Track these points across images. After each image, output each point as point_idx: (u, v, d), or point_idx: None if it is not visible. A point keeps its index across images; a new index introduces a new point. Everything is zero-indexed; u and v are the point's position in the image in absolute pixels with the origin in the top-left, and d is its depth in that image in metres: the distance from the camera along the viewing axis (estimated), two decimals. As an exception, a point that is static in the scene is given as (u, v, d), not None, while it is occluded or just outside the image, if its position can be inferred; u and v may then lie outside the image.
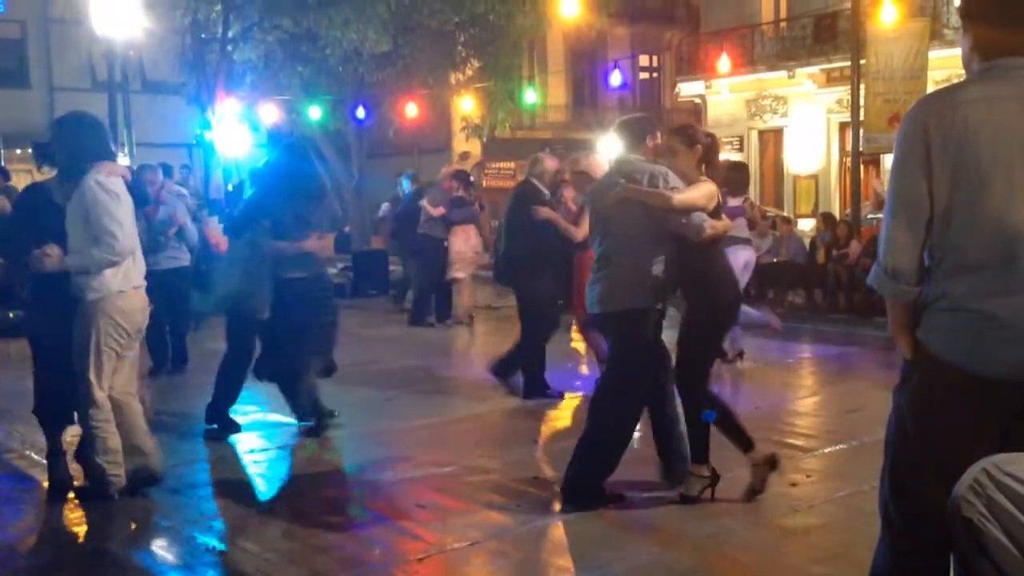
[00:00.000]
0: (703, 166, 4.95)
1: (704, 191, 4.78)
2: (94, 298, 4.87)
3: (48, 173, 5.29)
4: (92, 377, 4.89)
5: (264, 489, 5.50)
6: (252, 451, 6.16)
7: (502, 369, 7.58)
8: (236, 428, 6.56)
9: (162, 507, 5.02)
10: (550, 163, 7.68)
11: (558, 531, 4.67)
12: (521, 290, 7.61)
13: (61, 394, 5.09)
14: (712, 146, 5.06)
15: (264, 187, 6.58)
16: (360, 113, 19.90)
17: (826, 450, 6.02)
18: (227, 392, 6.57)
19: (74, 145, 4.99)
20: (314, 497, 5.23)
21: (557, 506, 4.94)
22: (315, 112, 19.77)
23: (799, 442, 6.27)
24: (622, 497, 4.95)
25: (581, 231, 6.87)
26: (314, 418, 6.51)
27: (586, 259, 6.38)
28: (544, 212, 7.26)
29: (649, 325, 4.83)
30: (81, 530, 4.90)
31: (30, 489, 5.49)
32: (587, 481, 4.92)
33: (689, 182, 4.80)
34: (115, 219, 4.84)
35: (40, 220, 5.03)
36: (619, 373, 4.92)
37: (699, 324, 4.87)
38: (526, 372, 7.59)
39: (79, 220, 4.85)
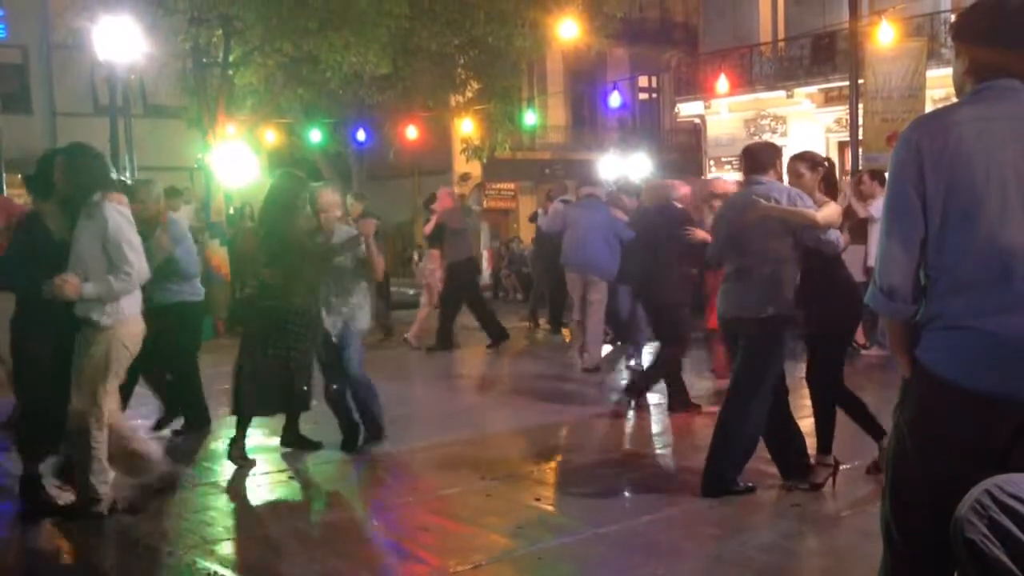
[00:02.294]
0: (823, 186, 5.59)
1: (836, 210, 5.38)
2: (108, 324, 4.94)
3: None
4: (101, 400, 4.96)
5: (267, 513, 5.49)
6: (254, 475, 6.15)
7: (639, 387, 7.80)
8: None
9: (164, 532, 5.00)
10: (685, 188, 8.23)
11: (560, 554, 4.66)
12: (662, 307, 7.73)
13: (47, 422, 5.14)
14: (831, 169, 5.80)
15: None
16: (361, 135, 19.97)
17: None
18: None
19: (84, 175, 5.03)
20: (317, 521, 5.22)
21: (556, 529, 4.93)
22: (316, 135, 19.83)
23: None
24: (753, 488, 5.35)
25: None
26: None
27: (717, 275, 6.97)
28: (700, 234, 7.44)
29: (786, 330, 5.32)
30: (80, 554, 4.88)
31: (15, 512, 5.45)
32: (724, 474, 5.35)
33: (813, 201, 5.32)
34: (134, 248, 4.96)
35: (37, 250, 5.08)
36: (755, 373, 5.31)
37: (829, 328, 5.37)
38: (671, 386, 7.79)
39: (94, 248, 4.89)
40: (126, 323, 5.02)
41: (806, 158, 5.68)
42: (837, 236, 5.27)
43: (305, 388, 6.29)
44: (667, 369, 7.78)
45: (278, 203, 6.31)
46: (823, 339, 5.46)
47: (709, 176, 7.57)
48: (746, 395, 5.31)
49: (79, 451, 5.07)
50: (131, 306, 5.06)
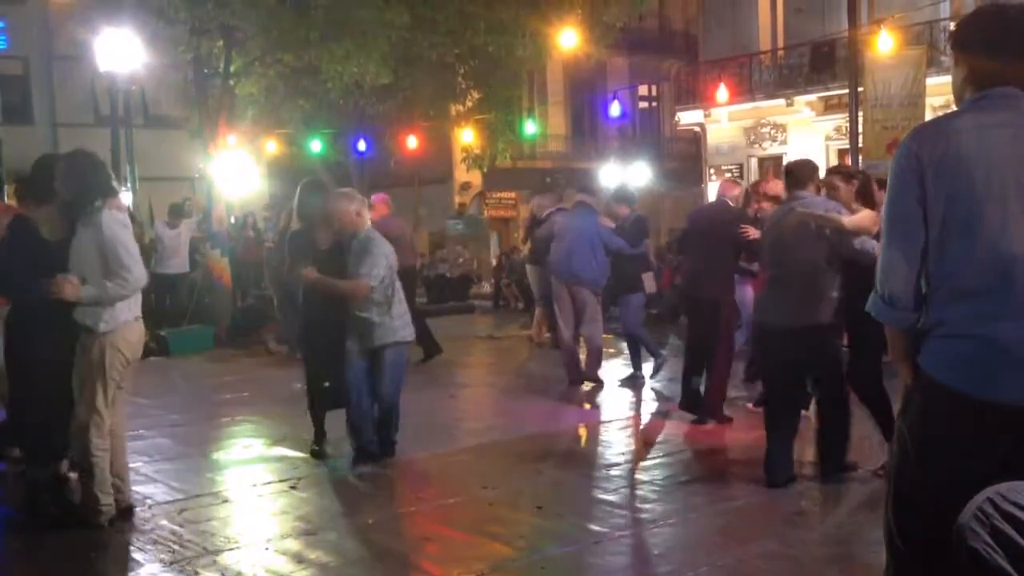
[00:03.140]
0: (860, 198, 5.91)
1: (869, 216, 5.54)
2: (105, 330, 4.98)
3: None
4: (101, 406, 4.99)
5: (268, 523, 5.48)
6: (255, 485, 6.14)
7: (694, 402, 7.69)
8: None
9: (165, 541, 5.00)
10: (737, 188, 8.36)
11: (562, 562, 4.65)
12: (715, 307, 7.57)
13: (48, 428, 5.16)
14: (866, 180, 6.17)
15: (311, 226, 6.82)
16: (361, 145, 20.00)
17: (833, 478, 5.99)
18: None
19: (84, 181, 5.06)
20: (318, 531, 5.21)
21: (559, 538, 4.92)
22: (316, 145, 19.87)
23: (806, 470, 6.24)
24: (856, 467, 5.85)
25: None
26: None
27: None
28: (754, 233, 7.43)
29: (825, 336, 5.65)
30: (81, 565, 4.87)
31: (15, 518, 5.45)
32: (837, 459, 5.84)
33: (851, 212, 5.65)
34: (131, 254, 5.00)
35: (30, 254, 5.11)
36: (837, 373, 5.77)
37: (871, 336, 5.33)
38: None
39: (92, 254, 4.94)
40: (122, 329, 5.04)
41: (840, 171, 6.11)
42: (873, 245, 5.37)
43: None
44: (727, 372, 7.82)
45: (301, 212, 6.71)
46: (861, 343, 5.75)
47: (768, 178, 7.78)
48: (838, 390, 5.79)
49: (80, 459, 5.09)
50: (128, 312, 5.08)
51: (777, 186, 7.84)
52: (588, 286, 9.34)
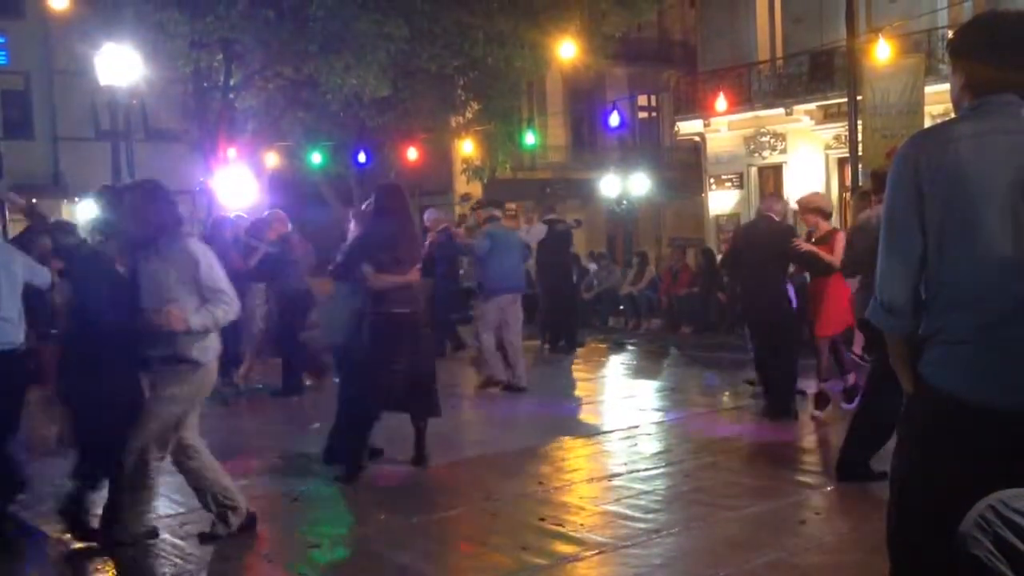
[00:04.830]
0: None
1: None
2: (207, 360, 4.88)
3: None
4: (170, 436, 4.88)
5: (271, 535, 5.47)
6: (256, 498, 6.13)
7: (783, 407, 8.00)
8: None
9: (167, 555, 4.99)
10: (781, 203, 8.63)
11: (565, 573, 4.64)
12: (779, 319, 8.00)
13: (104, 450, 4.97)
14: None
15: (367, 230, 6.83)
16: (361, 157, 20.04)
17: (834, 486, 5.99)
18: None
19: (164, 211, 4.91)
20: (321, 542, 5.19)
21: (562, 549, 4.91)
22: (317, 157, 19.91)
23: (808, 479, 6.24)
24: (886, 475, 5.48)
25: (838, 257, 7.81)
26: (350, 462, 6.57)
27: (824, 283, 7.96)
28: (805, 245, 7.94)
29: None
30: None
31: (36, 541, 5.45)
32: (856, 459, 5.87)
33: None
34: (223, 278, 4.88)
35: (103, 287, 4.95)
36: (880, 372, 5.67)
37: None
38: (780, 390, 8.08)
39: (171, 282, 4.75)
40: (216, 359, 4.97)
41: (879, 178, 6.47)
42: None
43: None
44: (792, 373, 8.16)
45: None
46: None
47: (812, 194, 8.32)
48: (877, 388, 5.78)
49: (133, 484, 4.89)
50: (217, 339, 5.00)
51: (820, 200, 8.54)
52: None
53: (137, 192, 5.07)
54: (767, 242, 8.02)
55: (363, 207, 7.26)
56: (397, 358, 6.45)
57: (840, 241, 8.06)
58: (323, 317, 7.22)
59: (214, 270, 4.83)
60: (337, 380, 7.06)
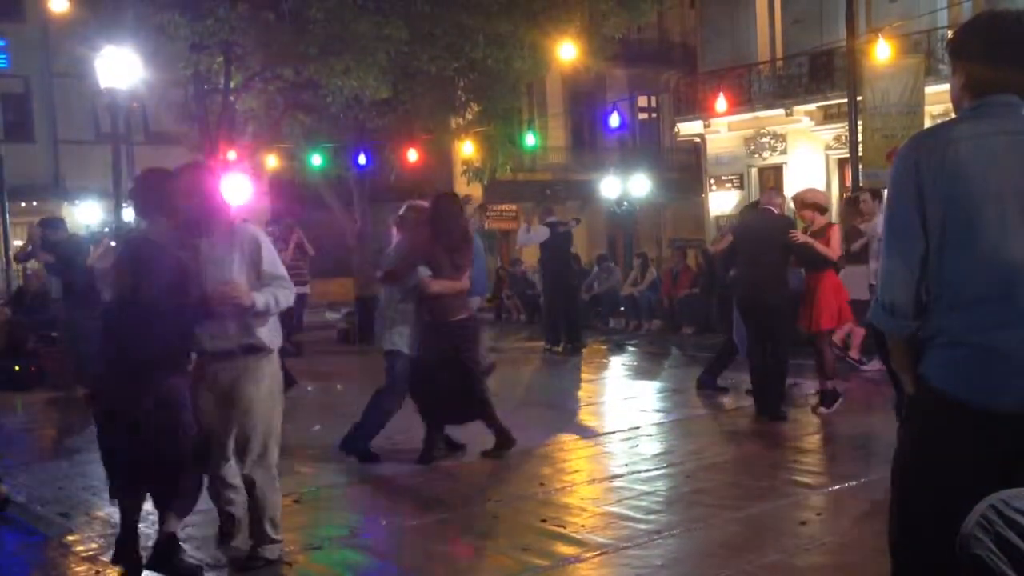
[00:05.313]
0: None
1: None
2: (275, 344, 4.61)
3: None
4: (277, 438, 4.68)
5: (271, 538, 5.47)
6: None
7: (772, 407, 8.02)
8: (375, 458, 6.85)
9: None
10: (781, 198, 8.74)
11: (564, 575, 4.64)
12: (776, 312, 8.07)
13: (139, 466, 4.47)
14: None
15: (418, 233, 6.94)
16: (362, 159, 20.02)
17: (835, 487, 5.99)
18: (375, 425, 6.90)
19: (210, 195, 4.57)
20: (323, 545, 5.19)
21: (563, 550, 4.91)
22: (317, 159, 19.90)
23: (808, 479, 6.23)
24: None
25: (834, 251, 8.13)
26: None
27: (817, 279, 8.13)
28: (802, 237, 8.09)
29: None
30: (88, 584, 4.87)
31: (37, 544, 5.46)
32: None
33: None
34: (280, 263, 4.69)
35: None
36: None
37: None
38: (771, 390, 8.11)
39: (231, 267, 4.43)
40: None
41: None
42: None
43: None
44: (783, 374, 8.17)
45: None
46: None
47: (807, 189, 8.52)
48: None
49: (261, 499, 4.67)
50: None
51: (816, 195, 8.73)
52: None
53: (187, 174, 4.61)
54: (767, 235, 8.09)
55: (400, 213, 7.36)
56: (453, 364, 6.66)
57: (836, 235, 8.23)
58: (377, 325, 7.32)
59: (274, 254, 4.63)
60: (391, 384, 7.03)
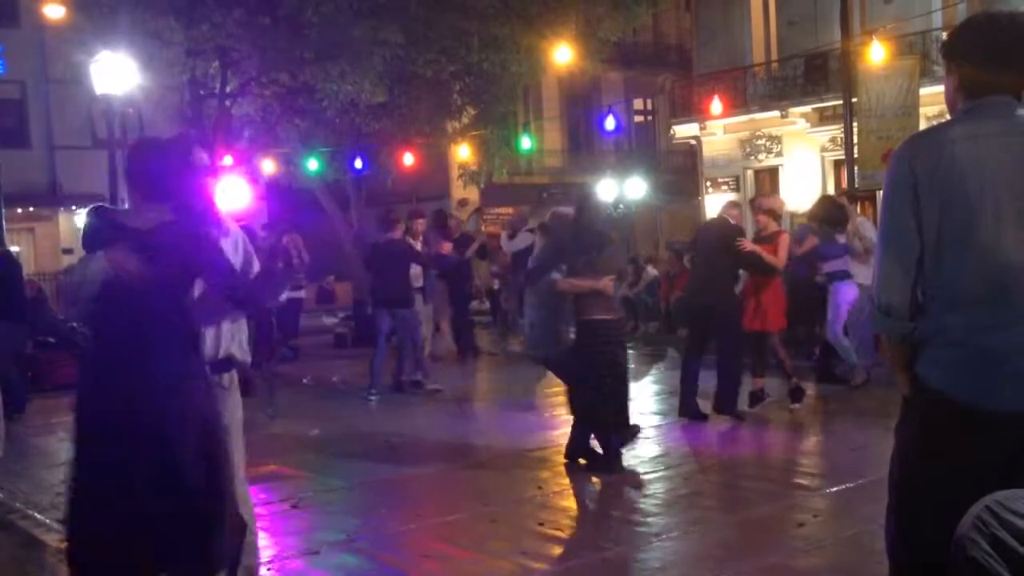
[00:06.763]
0: None
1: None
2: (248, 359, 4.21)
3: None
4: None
5: (269, 543, 5.47)
6: (256, 505, 6.12)
7: (728, 405, 8.11)
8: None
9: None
10: (737, 209, 8.90)
11: (565, 578, 4.65)
12: (724, 315, 8.13)
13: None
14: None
15: (560, 236, 7.20)
16: (358, 163, 20.00)
17: (832, 489, 5.99)
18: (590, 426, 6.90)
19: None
20: (320, 550, 5.19)
21: (561, 553, 4.91)
22: (313, 164, 19.88)
23: (805, 481, 6.24)
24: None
25: (781, 259, 8.27)
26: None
27: (767, 282, 8.26)
28: (749, 245, 8.25)
29: None
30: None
31: (36, 549, 5.45)
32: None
33: None
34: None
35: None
36: None
37: None
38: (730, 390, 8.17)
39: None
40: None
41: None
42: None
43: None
44: (737, 371, 8.22)
45: None
46: None
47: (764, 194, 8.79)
48: None
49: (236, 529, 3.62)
50: None
51: (772, 202, 8.93)
52: None
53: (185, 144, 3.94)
54: (720, 243, 8.26)
55: (516, 217, 7.61)
56: (606, 365, 6.67)
57: (784, 242, 8.39)
58: (529, 331, 7.36)
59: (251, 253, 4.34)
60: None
